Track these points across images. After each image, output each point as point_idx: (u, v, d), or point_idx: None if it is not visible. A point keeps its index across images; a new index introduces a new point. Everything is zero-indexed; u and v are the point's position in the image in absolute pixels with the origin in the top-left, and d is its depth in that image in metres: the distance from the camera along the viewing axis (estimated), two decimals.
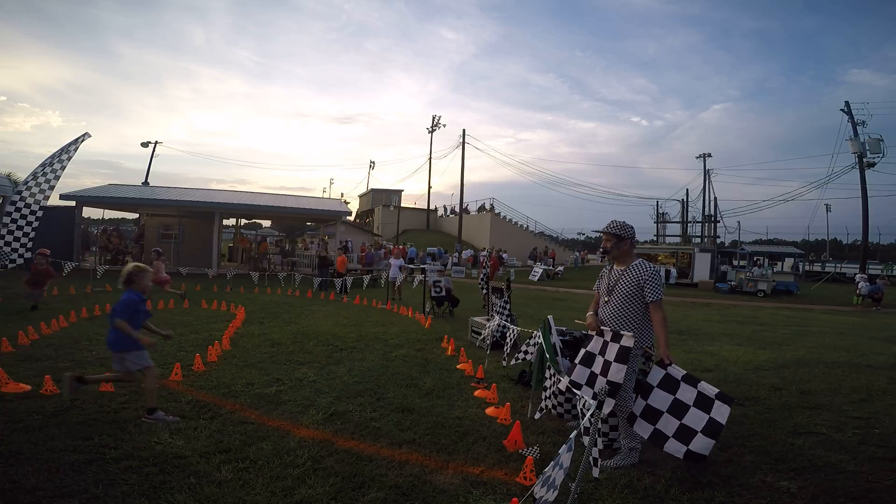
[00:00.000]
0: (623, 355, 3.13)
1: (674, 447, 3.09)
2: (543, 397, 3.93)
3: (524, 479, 2.96)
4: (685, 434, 3.07)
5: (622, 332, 3.17)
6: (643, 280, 3.22)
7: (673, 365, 3.24)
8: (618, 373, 3.12)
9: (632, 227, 3.40)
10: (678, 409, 3.15)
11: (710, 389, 3.08)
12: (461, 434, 3.71)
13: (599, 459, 2.61)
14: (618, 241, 3.34)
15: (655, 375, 3.29)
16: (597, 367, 3.31)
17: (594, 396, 3.01)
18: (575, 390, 3.20)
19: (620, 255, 3.37)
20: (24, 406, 3.76)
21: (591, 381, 3.32)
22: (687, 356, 6.93)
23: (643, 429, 3.23)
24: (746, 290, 20.22)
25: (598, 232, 3.61)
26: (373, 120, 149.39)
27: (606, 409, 3.11)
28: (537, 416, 3.99)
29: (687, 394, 3.14)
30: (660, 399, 3.23)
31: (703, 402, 3.07)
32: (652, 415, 3.23)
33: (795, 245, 36.21)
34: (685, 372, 3.22)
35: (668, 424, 3.15)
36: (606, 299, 3.40)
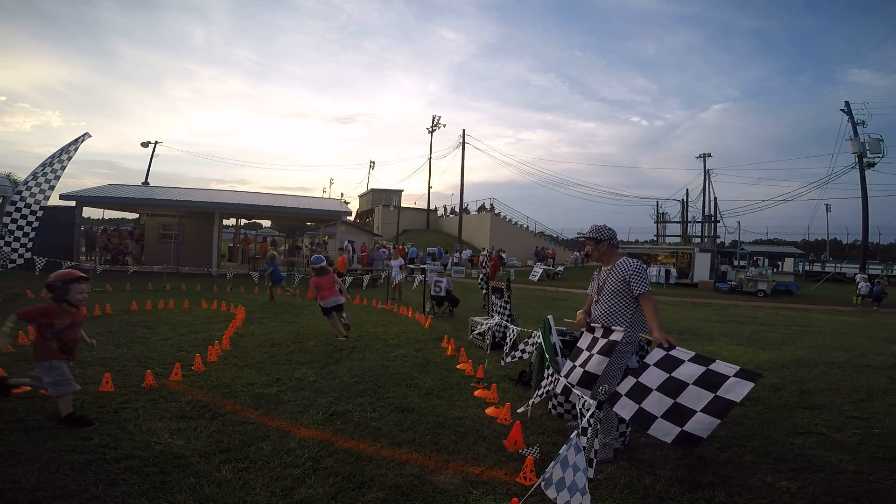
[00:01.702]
0: (608, 349, 3.12)
1: (663, 429, 2.71)
2: (535, 394, 3.91)
3: (524, 479, 2.96)
4: (678, 414, 2.69)
5: (613, 328, 3.20)
6: (628, 275, 3.33)
7: (678, 348, 2.97)
8: (598, 364, 3.10)
9: (609, 230, 3.54)
10: (672, 386, 2.79)
11: (728, 368, 2.67)
12: (461, 434, 3.71)
13: (595, 460, 2.62)
14: (595, 243, 3.50)
15: (654, 355, 3.02)
16: (580, 360, 3.31)
17: (593, 397, 3.01)
18: (569, 385, 3.21)
19: (601, 255, 3.52)
20: (24, 406, 3.75)
21: (569, 373, 3.31)
22: None
23: (626, 409, 2.91)
24: (746, 290, 20.22)
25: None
26: (373, 120, 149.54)
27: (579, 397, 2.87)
28: (520, 409, 4.00)
29: (688, 370, 2.80)
30: (652, 377, 2.91)
31: (710, 380, 2.69)
32: (639, 393, 2.89)
33: (795, 245, 36.17)
34: (694, 353, 2.88)
35: (658, 403, 2.80)
36: (597, 298, 3.54)
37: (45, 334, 3.49)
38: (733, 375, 2.64)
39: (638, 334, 3.37)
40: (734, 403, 2.60)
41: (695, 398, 2.70)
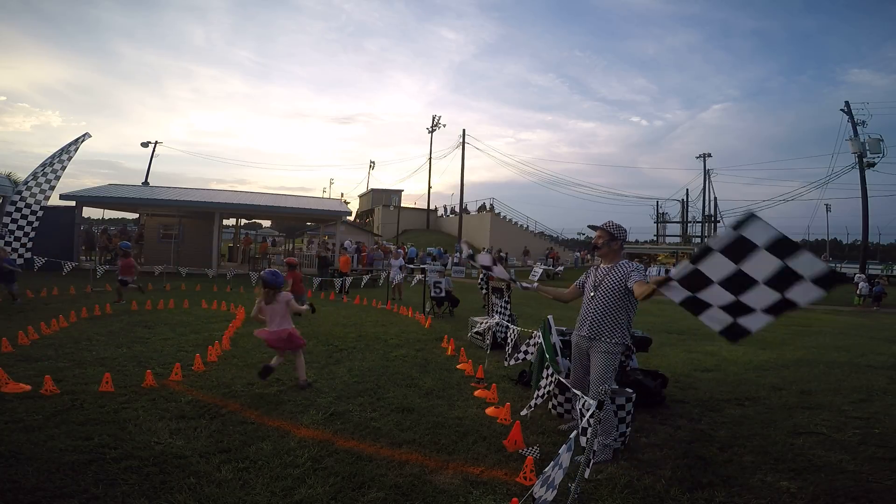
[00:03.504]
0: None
1: (715, 316, 2.51)
2: (535, 395, 3.90)
3: (524, 479, 2.96)
4: (736, 309, 2.45)
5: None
6: (628, 272, 3.37)
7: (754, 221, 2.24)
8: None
9: (625, 231, 3.59)
10: (738, 284, 2.38)
11: (812, 263, 2.15)
12: (461, 434, 3.71)
13: (592, 460, 2.62)
14: (611, 239, 3.50)
15: (723, 238, 2.36)
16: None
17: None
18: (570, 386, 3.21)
19: (609, 252, 3.52)
20: (24, 406, 3.76)
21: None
22: (687, 356, 6.94)
23: (674, 292, 2.67)
24: None
25: (592, 227, 3.75)
26: (373, 120, 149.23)
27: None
28: (524, 412, 3.99)
29: (762, 265, 2.27)
30: (715, 266, 2.43)
31: (785, 278, 2.22)
32: (696, 284, 2.56)
33: None
34: (777, 234, 2.20)
35: (716, 296, 2.49)
36: (592, 294, 3.52)
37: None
38: (810, 280, 2.17)
39: (626, 336, 3.42)
40: (795, 306, 2.27)
41: (760, 299, 2.34)
